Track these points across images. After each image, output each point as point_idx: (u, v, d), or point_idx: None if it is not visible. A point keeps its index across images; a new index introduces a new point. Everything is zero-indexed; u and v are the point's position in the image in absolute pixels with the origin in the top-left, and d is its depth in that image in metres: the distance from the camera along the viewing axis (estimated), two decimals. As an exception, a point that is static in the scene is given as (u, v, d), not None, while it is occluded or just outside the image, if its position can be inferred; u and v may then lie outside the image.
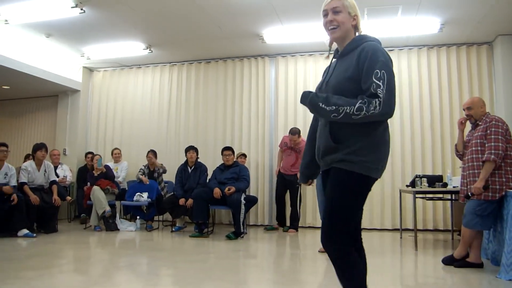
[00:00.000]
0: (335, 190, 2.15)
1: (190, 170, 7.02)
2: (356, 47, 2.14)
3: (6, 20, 6.33)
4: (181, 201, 6.67)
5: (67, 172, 8.02)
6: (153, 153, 7.59)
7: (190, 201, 6.56)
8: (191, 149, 7.11)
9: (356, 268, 2.15)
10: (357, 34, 2.25)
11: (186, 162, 7.12)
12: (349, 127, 2.10)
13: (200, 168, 7.03)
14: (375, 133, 2.10)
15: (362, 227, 7.12)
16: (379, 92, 1.97)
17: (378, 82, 1.99)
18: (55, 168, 7.67)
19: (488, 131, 4.04)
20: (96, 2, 5.81)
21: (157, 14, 6.25)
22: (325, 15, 2.24)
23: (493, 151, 3.94)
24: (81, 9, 5.89)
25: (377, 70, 2.01)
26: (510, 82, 6.78)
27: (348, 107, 1.99)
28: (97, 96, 9.06)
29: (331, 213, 2.13)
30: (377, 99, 1.97)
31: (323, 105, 2.05)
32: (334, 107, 2.02)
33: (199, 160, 7.18)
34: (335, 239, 2.13)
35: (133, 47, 7.66)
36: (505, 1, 5.57)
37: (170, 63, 8.63)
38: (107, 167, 7.44)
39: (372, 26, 6.51)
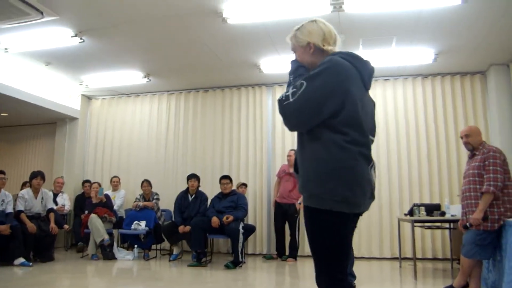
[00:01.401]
0: (306, 229, 2.05)
1: (190, 198, 7.00)
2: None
3: (6, 49, 6.39)
4: (181, 228, 6.64)
5: (66, 201, 7.98)
6: (147, 182, 7.58)
7: (187, 227, 6.52)
8: (193, 177, 7.08)
9: None
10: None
11: (187, 190, 7.10)
12: (304, 151, 2.02)
13: (201, 197, 7.00)
14: (329, 158, 1.90)
15: (360, 255, 7.08)
16: (281, 95, 1.97)
17: (289, 89, 1.96)
18: (56, 196, 7.65)
19: (486, 162, 4.08)
20: (96, 32, 5.89)
21: (156, 43, 6.34)
22: None
23: (492, 183, 3.97)
24: (81, 39, 5.96)
25: (299, 80, 1.95)
26: (504, 111, 6.86)
27: (291, 80, 2.04)
28: (95, 124, 9.08)
29: (312, 254, 2.01)
30: (284, 96, 1.95)
31: (291, 70, 2.11)
32: (291, 76, 2.08)
33: (200, 188, 7.18)
34: (322, 282, 1.98)
35: (132, 76, 7.72)
36: (497, 31, 5.69)
37: (168, 91, 8.69)
38: (107, 196, 7.42)
39: (367, 57, 6.61)
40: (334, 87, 1.91)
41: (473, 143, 4.32)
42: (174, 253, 6.95)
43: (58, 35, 5.91)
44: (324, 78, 1.90)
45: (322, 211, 1.90)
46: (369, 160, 2.01)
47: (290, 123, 1.98)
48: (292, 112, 1.92)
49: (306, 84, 1.89)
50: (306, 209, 1.99)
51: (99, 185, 7.57)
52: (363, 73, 2.05)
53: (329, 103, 1.89)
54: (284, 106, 1.92)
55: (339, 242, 1.95)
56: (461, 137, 4.45)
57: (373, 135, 2.11)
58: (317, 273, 1.98)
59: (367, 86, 2.09)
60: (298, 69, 2.11)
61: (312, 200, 1.93)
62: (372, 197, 2.04)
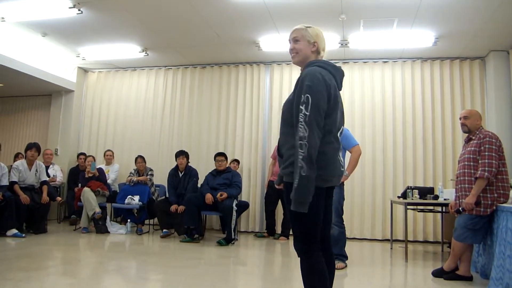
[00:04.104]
0: (287, 202, 2.33)
1: (180, 175, 7.00)
2: (302, 73, 2.33)
3: (2, 18, 6.30)
4: (173, 208, 6.66)
5: (58, 172, 7.96)
6: (141, 158, 7.56)
7: (181, 207, 6.55)
8: (181, 154, 7.06)
9: (316, 276, 2.26)
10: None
11: (177, 167, 7.10)
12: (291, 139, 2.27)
13: (190, 173, 7.00)
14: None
15: (352, 236, 7.16)
16: (300, 117, 2.16)
17: (301, 107, 2.17)
18: (47, 167, 7.62)
19: (482, 148, 4.08)
20: (94, 4, 5.80)
21: (155, 18, 6.26)
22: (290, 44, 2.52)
23: (486, 168, 3.97)
24: (79, 10, 5.87)
25: (302, 95, 2.20)
26: (502, 97, 6.87)
27: (300, 155, 2.13)
28: (91, 97, 9.01)
29: (292, 223, 2.37)
30: (300, 125, 2.15)
31: (295, 182, 2.15)
32: (293, 173, 2.17)
33: (189, 164, 7.16)
34: (298, 246, 2.35)
35: (129, 50, 7.64)
36: (498, 18, 5.66)
37: (165, 66, 8.62)
38: (100, 170, 7.39)
39: (367, 38, 6.58)
40: (326, 90, 2.24)
41: (470, 126, 4.31)
42: (164, 230, 6.89)
43: (56, 6, 5.84)
44: (317, 84, 2.21)
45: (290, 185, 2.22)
46: (339, 145, 2.39)
47: (318, 133, 2.18)
48: (316, 121, 2.17)
49: (310, 96, 2.17)
50: (287, 184, 2.29)
51: (94, 159, 7.55)
52: (336, 76, 2.39)
53: (325, 103, 2.24)
54: (308, 121, 2.14)
55: (314, 210, 2.23)
56: (460, 118, 4.43)
57: (342, 125, 2.50)
58: (295, 239, 2.37)
59: (339, 87, 2.43)
60: None
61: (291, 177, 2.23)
62: (340, 174, 2.41)
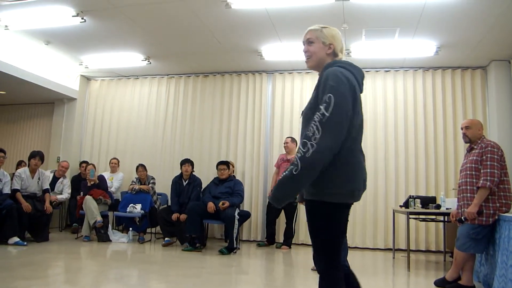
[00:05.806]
0: (311, 218, 2.21)
1: (184, 184, 7.00)
2: (322, 75, 2.14)
3: (6, 26, 6.33)
4: (174, 216, 6.65)
5: (65, 188, 7.68)
6: (143, 167, 7.55)
7: (183, 216, 6.55)
8: (186, 162, 7.09)
9: None
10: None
11: (181, 175, 7.11)
12: None
13: (194, 182, 7.01)
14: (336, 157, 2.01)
15: (354, 246, 7.11)
16: (316, 116, 1.96)
17: (320, 106, 1.98)
18: (57, 179, 7.57)
19: (484, 157, 4.09)
20: (98, 12, 5.84)
21: (158, 26, 6.29)
22: (303, 46, 2.35)
23: (489, 178, 3.98)
24: (82, 19, 5.90)
25: (325, 96, 2.00)
26: (503, 107, 6.88)
27: (298, 153, 1.94)
28: (94, 105, 9.03)
29: (315, 240, 2.18)
30: (312, 124, 1.96)
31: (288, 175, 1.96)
32: (291, 167, 1.96)
33: (194, 173, 7.18)
34: (320, 263, 2.15)
35: (132, 58, 7.68)
36: (499, 27, 5.68)
37: (168, 75, 8.65)
38: (101, 177, 7.38)
39: (369, 47, 6.60)
40: (351, 95, 2.05)
41: (471, 136, 4.32)
42: (166, 238, 6.88)
43: (59, 14, 5.86)
44: (341, 86, 2.02)
45: (327, 203, 2.06)
46: (363, 155, 2.19)
47: (337, 133, 1.97)
48: (338, 123, 1.96)
49: (333, 96, 1.97)
50: (309, 202, 2.14)
51: (94, 167, 7.54)
52: (358, 77, 2.18)
53: (350, 109, 2.03)
54: (325, 122, 1.94)
55: (338, 229, 2.13)
56: (461, 128, 4.45)
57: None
58: (316, 256, 2.15)
59: (361, 89, 2.22)
60: None
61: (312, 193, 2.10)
62: (365, 188, 2.18)
